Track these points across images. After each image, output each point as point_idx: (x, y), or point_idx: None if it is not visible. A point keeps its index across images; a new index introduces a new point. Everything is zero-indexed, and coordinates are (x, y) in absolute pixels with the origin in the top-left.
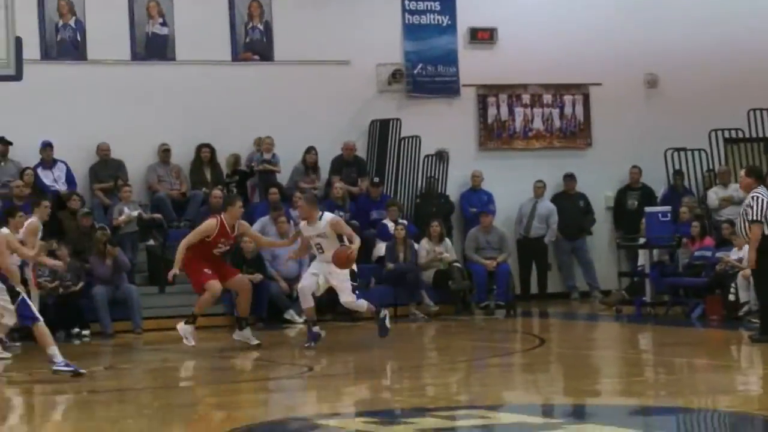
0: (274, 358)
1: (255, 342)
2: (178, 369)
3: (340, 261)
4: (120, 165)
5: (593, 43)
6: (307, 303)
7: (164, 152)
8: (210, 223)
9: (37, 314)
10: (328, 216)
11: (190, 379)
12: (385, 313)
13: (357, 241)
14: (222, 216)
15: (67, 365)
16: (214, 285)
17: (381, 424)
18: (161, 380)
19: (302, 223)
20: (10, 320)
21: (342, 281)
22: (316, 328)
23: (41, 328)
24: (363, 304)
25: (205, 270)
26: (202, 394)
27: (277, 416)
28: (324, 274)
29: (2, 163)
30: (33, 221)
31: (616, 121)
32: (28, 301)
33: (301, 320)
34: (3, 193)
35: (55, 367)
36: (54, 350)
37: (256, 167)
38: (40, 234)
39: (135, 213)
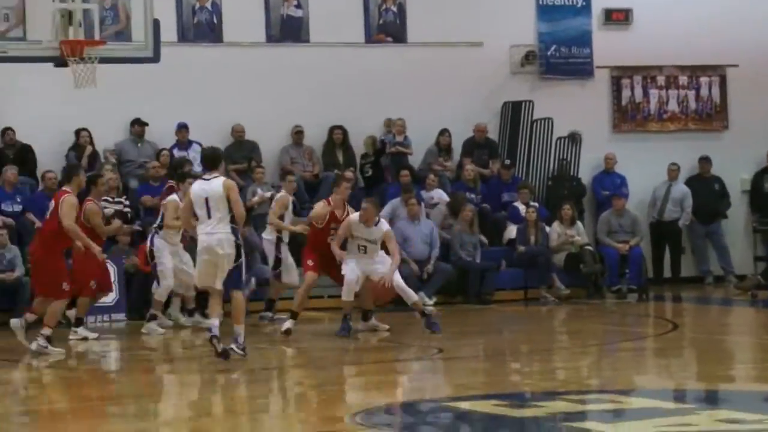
0: (403, 340)
1: (385, 327)
2: (308, 350)
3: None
4: (254, 146)
5: (730, 23)
6: (349, 297)
7: (297, 134)
8: (321, 207)
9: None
10: (384, 225)
11: (320, 360)
12: (430, 310)
13: (397, 259)
14: (330, 199)
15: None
16: (310, 276)
17: (511, 407)
18: (292, 361)
19: (353, 220)
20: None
21: (389, 267)
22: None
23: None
24: (413, 295)
25: (308, 261)
26: (331, 375)
27: (407, 398)
28: (364, 272)
29: (139, 144)
30: (283, 195)
31: (753, 102)
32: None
33: (431, 302)
34: (140, 173)
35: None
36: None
37: (388, 149)
38: (290, 207)
39: (268, 194)
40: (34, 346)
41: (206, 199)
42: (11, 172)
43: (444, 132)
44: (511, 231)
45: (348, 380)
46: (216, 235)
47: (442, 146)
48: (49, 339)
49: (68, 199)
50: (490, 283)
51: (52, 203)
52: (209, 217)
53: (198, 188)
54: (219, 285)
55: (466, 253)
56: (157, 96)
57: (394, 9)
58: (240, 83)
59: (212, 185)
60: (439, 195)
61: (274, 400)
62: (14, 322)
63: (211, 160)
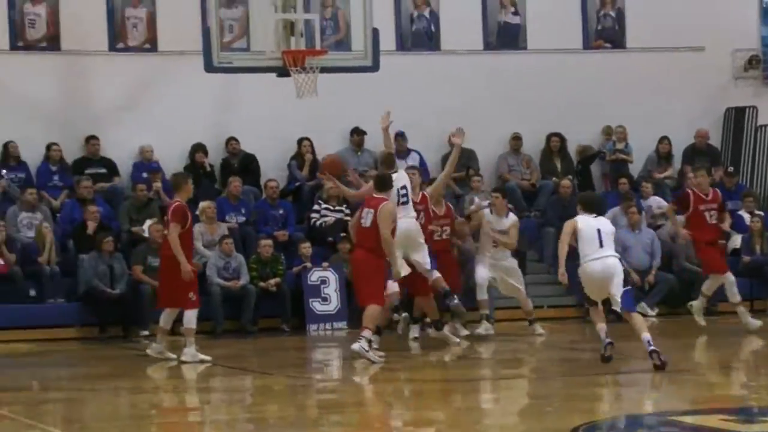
0: (625, 351)
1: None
2: (528, 360)
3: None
4: (471, 154)
5: None
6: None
7: (515, 141)
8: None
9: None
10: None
11: (540, 370)
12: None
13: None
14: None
15: None
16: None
17: (739, 422)
18: (512, 371)
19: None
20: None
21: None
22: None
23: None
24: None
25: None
26: (553, 387)
27: (631, 412)
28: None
29: (358, 153)
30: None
31: None
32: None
33: (653, 313)
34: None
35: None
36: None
37: (608, 156)
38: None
39: (485, 203)
40: (356, 347)
41: None
42: (235, 184)
43: (663, 139)
44: (736, 240)
45: (570, 392)
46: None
47: (662, 154)
48: (369, 342)
49: (386, 207)
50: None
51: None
52: None
53: None
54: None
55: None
56: (375, 104)
57: (613, 14)
58: (457, 91)
59: None
60: (657, 203)
61: (497, 411)
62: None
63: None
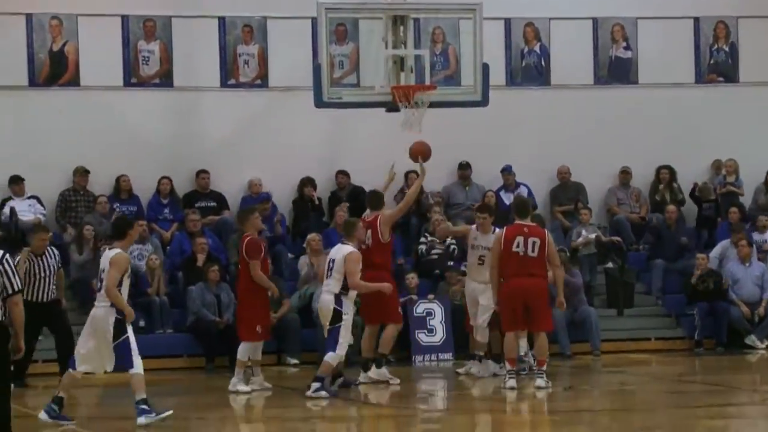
0: (733, 384)
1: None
2: (635, 392)
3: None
4: (579, 187)
5: None
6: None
7: (624, 174)
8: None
9: None
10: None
11: (648, 402)
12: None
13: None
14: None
15: None
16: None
17: None
18: (619, 403)
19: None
20: None
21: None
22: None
23: None
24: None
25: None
26: (660, 418)
27: None
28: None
29: (466, 188)
30: None
31: None
32: None
33: (763, 346)
34: (467, 215)
35: None
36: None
37: (719, 190)
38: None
39: (593, 235)
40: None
41: None
42: (340, 213)
43: None
44: None
45: (673, 424)
46: None
47: None
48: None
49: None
50: None
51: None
52: None
53: None
54: None
55: None
56: (482, 139)
57: (726, 49)
58: (567, 125)
59: None
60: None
61: None
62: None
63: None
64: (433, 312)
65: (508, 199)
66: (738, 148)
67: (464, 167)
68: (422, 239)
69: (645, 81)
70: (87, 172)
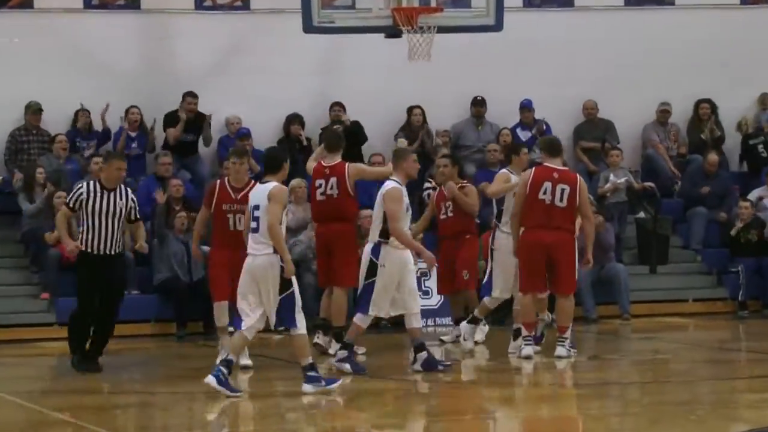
0: None
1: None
2: (670, 361)
3: None
4: (608, 125)
5: None
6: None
7: (663, 112)
8: None
9: None
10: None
11: (685, 373)
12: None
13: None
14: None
15: None
16: None
17: None
18: (651, 374)
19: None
20: None
21: None
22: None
23: None
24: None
25: None
26: (698, 391)
27: None
28: None
29: (479, 127)
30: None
31: None
32: None
33: None
34: (479, 158)
35: None
36: None
37: (766, 128)
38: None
39: (623, 179)
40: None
41: None
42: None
43: None
44: None
45: (716, 397)
46: None
47: None
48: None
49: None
50: None
51: None
52: None
53: None
54: None
55: None
56: (498, 70)
57: None
58: (593, 53)
59: None
60: None
61: (628, 420)
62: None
63: None
64: (428, 272)
65: (525, 137)
66: None
67: (479, 104)
68: (426, 184)
69: (682, 2)
70: (40, 110)
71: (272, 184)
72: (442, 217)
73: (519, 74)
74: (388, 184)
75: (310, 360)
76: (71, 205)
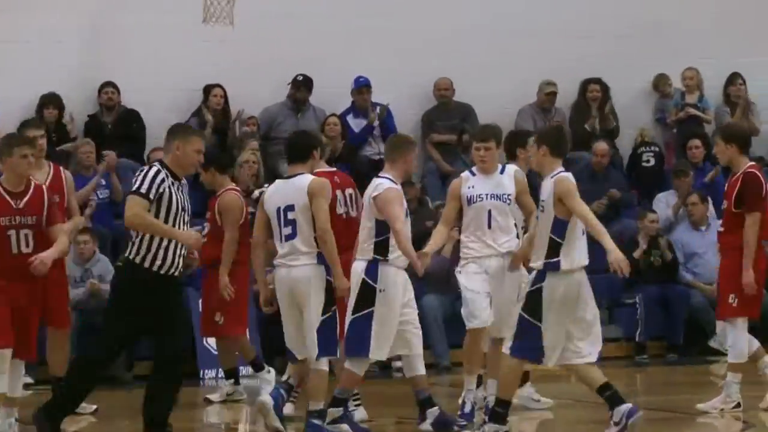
0: (690, 409)
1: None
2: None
3: None
4: (467, 109)
5: None
6: None
7: (548, 95)
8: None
9: None
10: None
11: None
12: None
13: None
14: None
15: None
16: None
17: None
18: None
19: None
20: None
21: None
22: None
23: None
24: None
25: None
26: None
27: None
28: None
29: (298, 115)
30: None
31: None
32: None
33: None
34: None
35: None
36: None
37: (673, 114)
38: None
39: None
40: None
41: None
42: (87, 147)
43: (735, 78)
44: None
45: None
46: None
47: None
48: None
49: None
50: None
51: None
52: None
53: None
54: None
55: None
56: (327, 40)
57: None
58: (445, 14)
59: None
60: None
61: None
62: None
63: None
64: None
65: (357, 127)
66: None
67: (300, 84)
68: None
69: None
70: None
71: (308, 177)
72: None
73: (353, 46)
74: (382, 185)
75: (321, 405)
76: (149, 195)
